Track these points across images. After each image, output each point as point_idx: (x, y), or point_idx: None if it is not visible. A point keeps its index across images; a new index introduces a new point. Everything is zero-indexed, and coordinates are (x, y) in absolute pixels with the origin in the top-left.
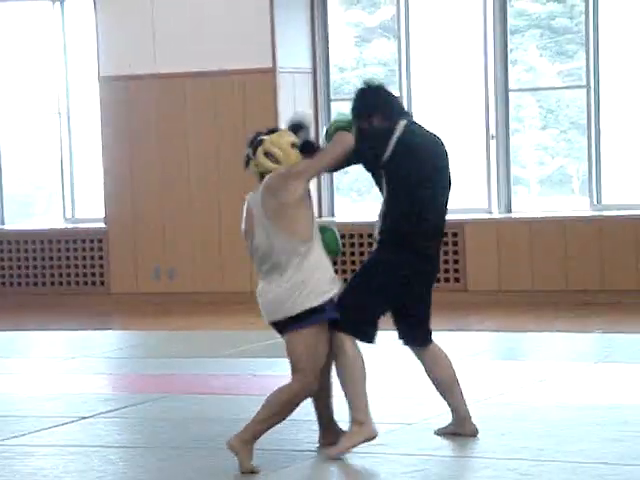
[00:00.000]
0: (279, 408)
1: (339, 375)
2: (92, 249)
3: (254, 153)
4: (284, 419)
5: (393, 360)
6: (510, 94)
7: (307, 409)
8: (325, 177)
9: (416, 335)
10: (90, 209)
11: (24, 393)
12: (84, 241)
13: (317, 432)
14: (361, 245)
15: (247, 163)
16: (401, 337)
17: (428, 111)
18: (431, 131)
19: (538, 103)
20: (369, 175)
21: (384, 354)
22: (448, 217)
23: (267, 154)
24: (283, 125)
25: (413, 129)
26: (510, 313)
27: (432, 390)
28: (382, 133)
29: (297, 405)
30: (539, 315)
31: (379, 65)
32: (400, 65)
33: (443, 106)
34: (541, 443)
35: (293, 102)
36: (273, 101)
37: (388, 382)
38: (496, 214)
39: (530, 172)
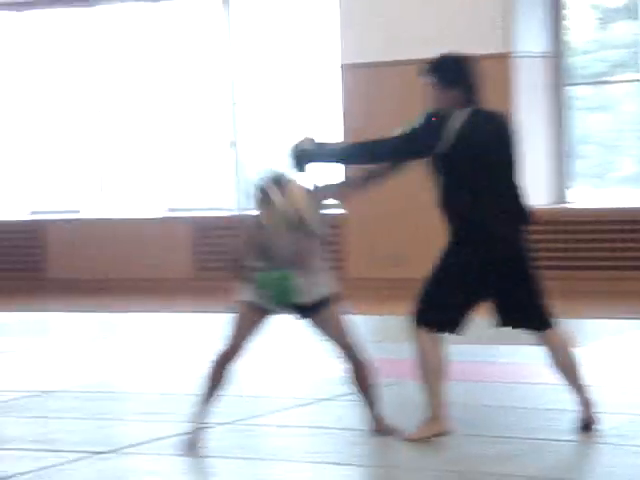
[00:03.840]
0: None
1: (418, 368)
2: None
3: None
4: (215, 387)
5: None
6: None
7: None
8: (557, 163)
9: (525, 320)
10: None
11: (262, 375)
12: None
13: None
14: (602, 232)
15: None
16: (507, 323)
17: None
18: (494, 111)
19: None
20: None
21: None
22: None
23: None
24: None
25: (478, 115)
26: None
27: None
28: (438, 123)
29: (215, 369)
30: None
31: (621, 47)
32: None
33: None
34: None
35: (528, 87)
36: (508, 86)
37: None
38: None
39: None
